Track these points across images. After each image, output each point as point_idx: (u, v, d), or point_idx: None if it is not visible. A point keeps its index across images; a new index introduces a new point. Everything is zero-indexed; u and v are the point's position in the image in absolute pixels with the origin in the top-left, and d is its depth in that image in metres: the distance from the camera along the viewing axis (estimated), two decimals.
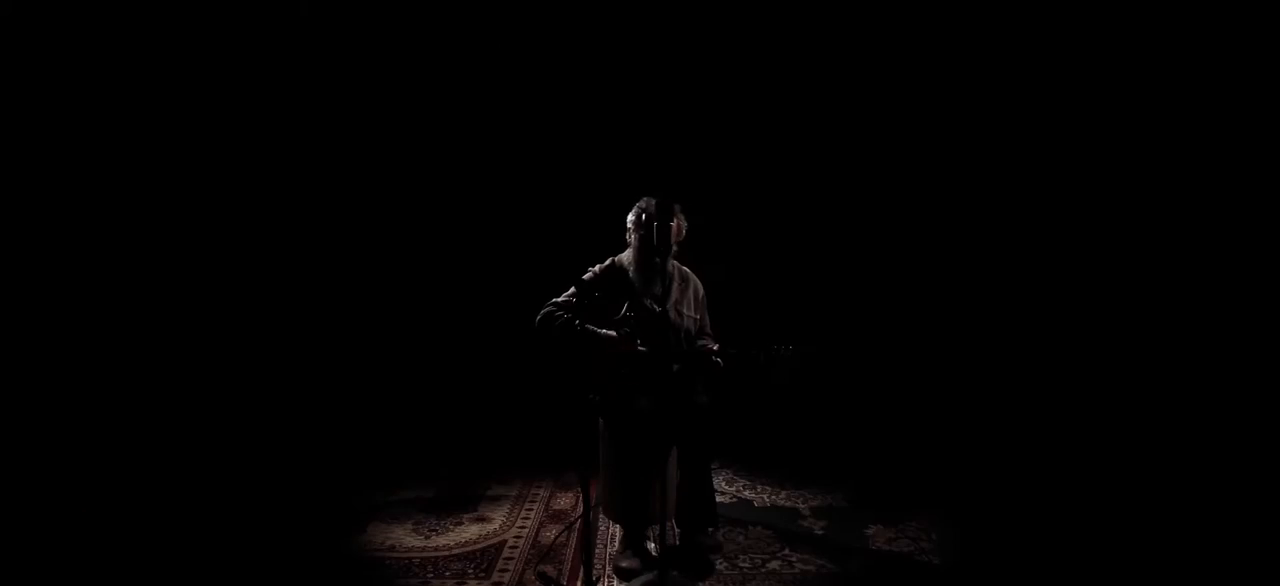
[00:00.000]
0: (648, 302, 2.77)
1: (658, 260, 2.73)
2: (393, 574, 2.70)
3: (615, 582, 2.63)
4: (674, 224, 2.72)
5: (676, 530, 2.87)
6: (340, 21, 4.44)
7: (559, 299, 2.78)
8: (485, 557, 2.84)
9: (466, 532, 3.08)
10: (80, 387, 4.04)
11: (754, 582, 2.62)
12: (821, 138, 4.73)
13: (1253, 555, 2.81)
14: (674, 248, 2.73)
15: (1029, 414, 4.38)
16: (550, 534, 3.04)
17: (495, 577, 2.67)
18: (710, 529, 2.86)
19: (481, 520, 3.21)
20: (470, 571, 2.72)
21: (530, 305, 2.81)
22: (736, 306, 3.48)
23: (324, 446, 4.30)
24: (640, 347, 2.70)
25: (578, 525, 2.94)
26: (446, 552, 2.88)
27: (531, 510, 3.34)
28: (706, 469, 2.78)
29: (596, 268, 2.81)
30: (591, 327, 2.65)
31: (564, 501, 3.45)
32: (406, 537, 3.03)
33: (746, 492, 3.55)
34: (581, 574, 2.36)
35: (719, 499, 3.06)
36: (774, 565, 2.74)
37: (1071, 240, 4.44)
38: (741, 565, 2.74)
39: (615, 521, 2.87)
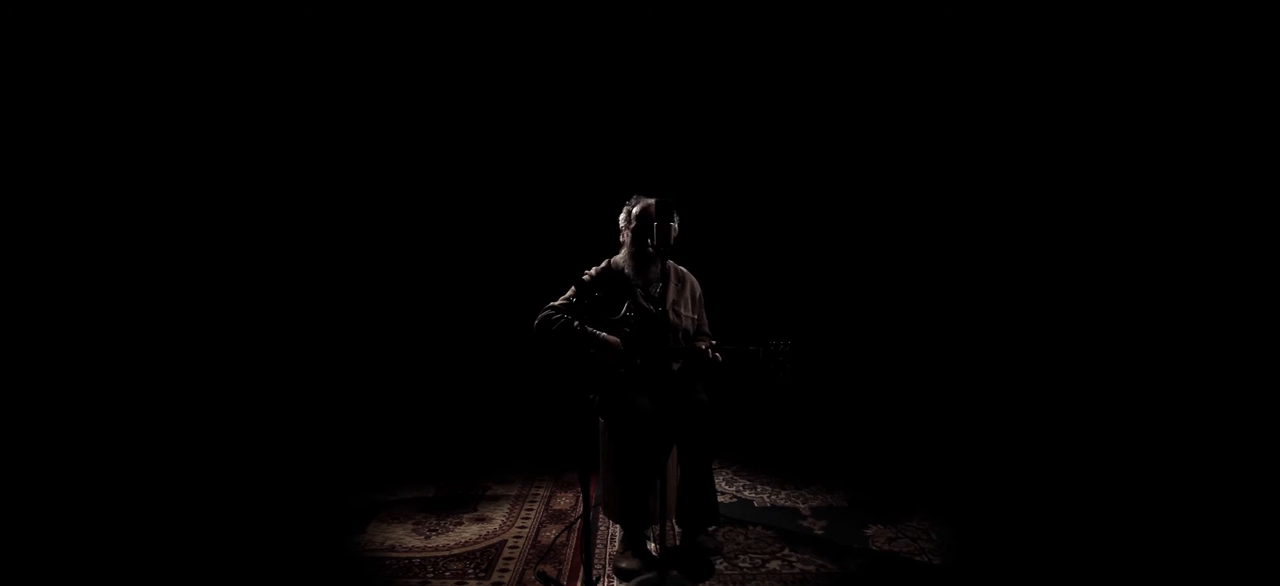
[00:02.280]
0: (645, 303, 2.77)
1: (655, 261, 2.75)
2: (393, 574, 2.70)
3: (615, 582, 2.62)
4: (672, 224, 2.73)
5: (677, 530, 2.87)
6: (338, 21, 4.45)
7: (557, 301, 2.79)
8: (485, 557, 2.83)
9: (466, 532, 3.08)
10: (80, 387, 4.04)
11: (754, 582, 2.62)
12: (818, 136, 4.74)
13: (1252, 553, 2.81)
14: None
15: (1028, 413, 4.39)
16: (550, 534, 3.04)
17: (495, 577, 2.67)
18: (711, 529, 2.86)
19: (481, 520, 3.21)
20: (470, 571, 2.72)
21: (529, 305, 2.82)
22: (734, 305, 3.48)
23: (324, 446, 4.30)
24: (638, 353, 2.70)
25: (578, 525, 2.94)
26: (446, 552, 2.88)
27: (531, 510, 3.34)
28: (708, 468, 2.78)
29: (594, 269, 2.82)
30: (591, 330, 2.66)
31: (564, 501, 3.45)
32: (406, 537, 3.03)
33: (746, 492, 3.55)
34: (581, 574, 2.36)
35: (719, 499, 3.05)
36: (774, 565, 2.74)
37: (1069, 239, 4.44)
38: (741, 565, 2.74)
39: (615, 521, 2.87)
